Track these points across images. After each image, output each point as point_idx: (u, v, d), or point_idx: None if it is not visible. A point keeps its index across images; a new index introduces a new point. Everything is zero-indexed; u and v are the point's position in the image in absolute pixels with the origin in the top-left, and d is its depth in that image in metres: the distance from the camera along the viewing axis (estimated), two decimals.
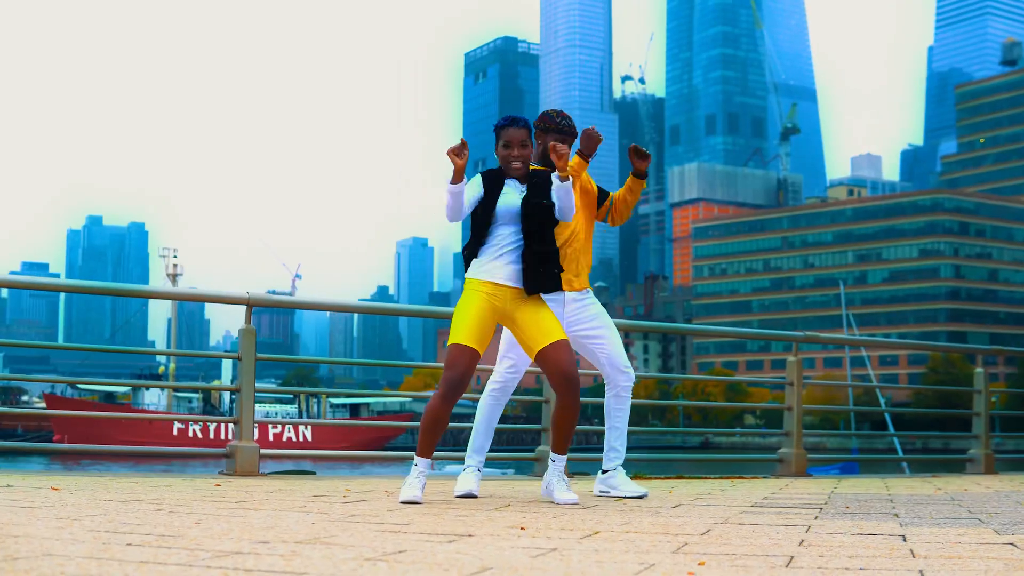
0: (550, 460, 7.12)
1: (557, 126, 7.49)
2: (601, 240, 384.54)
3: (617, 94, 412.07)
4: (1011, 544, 4.77)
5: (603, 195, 7.89)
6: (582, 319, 7.61)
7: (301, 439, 72.86)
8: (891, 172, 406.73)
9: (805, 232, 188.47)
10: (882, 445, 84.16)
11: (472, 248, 7.02)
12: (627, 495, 7.48)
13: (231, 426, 9.71)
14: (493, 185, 6.98)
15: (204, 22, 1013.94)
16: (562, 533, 4.99)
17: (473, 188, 6.96)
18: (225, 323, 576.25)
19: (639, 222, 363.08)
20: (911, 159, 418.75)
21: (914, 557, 4.28)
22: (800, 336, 13.00)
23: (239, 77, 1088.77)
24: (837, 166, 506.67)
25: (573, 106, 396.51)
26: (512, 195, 6.97)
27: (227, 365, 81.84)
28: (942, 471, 14.30)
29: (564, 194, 6.92)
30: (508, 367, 7.64)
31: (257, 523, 5.04)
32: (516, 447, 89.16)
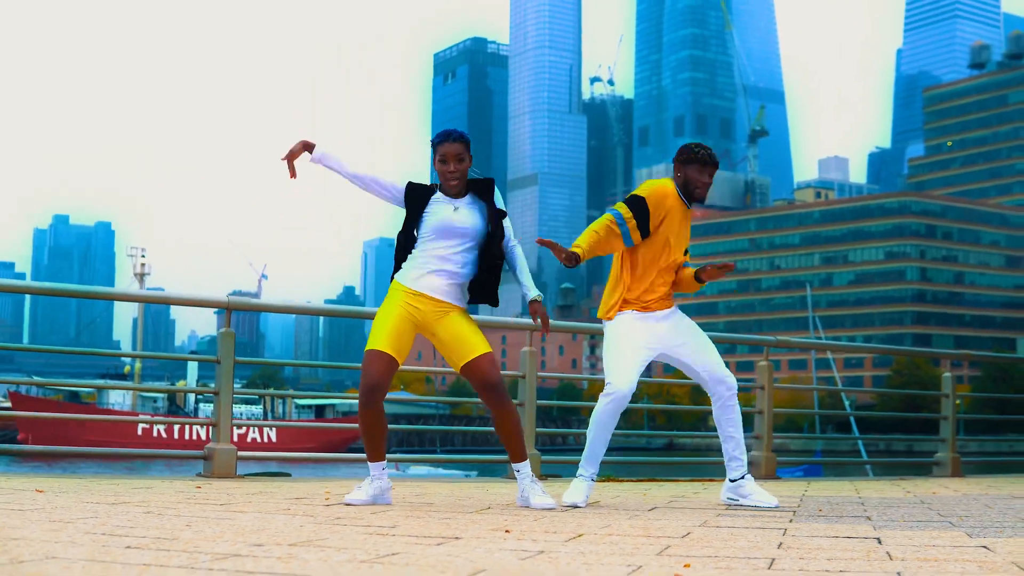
0: (515, 471, 7.09)
1: (697, 157, 7.38)
2: (569, 240, 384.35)
3: (586, 95, 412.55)
4: (984, 547, 4.89)
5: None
6: (676, 333, 7.51)
7: (266, 440, 72.76)
8: (858, 175, 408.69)
9: (772, 234, 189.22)
10: (846, 447, 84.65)
11: (402, 254, 7.04)
12: (758, 504, 7.42)
13: (209, 428, 9.78)
14: (421, 193, 7.00)
15: (173, 20, 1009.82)
16: (546, 535, 5.09)
17: (389, 181, 7.06)
18: (191, 323, 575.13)
19: None
20: (878, 162, 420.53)
21: (891, 560, 4.38)
22: (771, 340, 13.14)
23: (208, 75, 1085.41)
24: (805, 168, 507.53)
25: (542, 107, 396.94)
26: (447, 211, 6.94)
27: (192, 366, 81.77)
28: (908, 474, 14.46)
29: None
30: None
31: (247, 526, 5.14)
32: (480, 448, 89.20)
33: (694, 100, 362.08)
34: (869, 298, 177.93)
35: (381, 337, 6.88)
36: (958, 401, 14.54)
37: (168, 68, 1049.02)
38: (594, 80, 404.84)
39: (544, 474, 10.94)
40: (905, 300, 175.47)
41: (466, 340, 6.95)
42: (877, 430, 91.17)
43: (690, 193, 7.36)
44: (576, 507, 7.08)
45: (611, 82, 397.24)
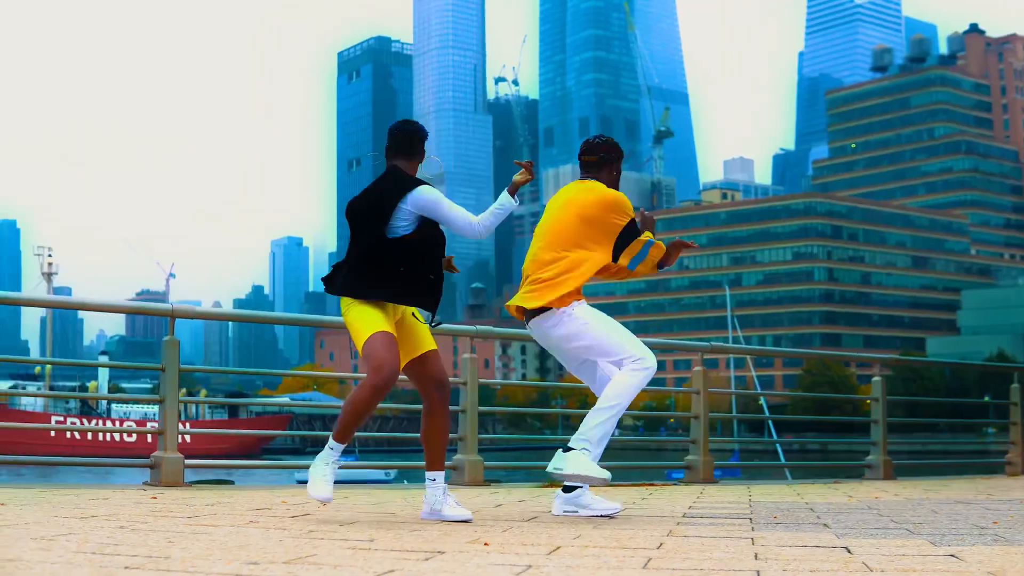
0: (429, 479, 6.75)
1: (622, 153, 7.70)
2: (477, 241, 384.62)
3: (491, 95, 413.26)
4: (952, 556, 5.01)
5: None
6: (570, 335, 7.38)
7: (180, 441, 72.06)
8: (763, 176, 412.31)
9: (680, 235, 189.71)
10: (759, 447, 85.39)
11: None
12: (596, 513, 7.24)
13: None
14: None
15: (78, 14, 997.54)
16: (525, 548, 5.13)
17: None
18: (98, 322, 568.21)
19: (514, 223, 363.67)
20: (783, 163, 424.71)
21: (871, 571, 4.45)
22: (706, 347, 13.31)
23: (112, 72, 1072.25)
24: (710, 169, 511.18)
25: (447, 107, 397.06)
26: None
27: (103, 367, 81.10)
28: (833, 477, 14.62)
29: (498, 217, 7.03)
30: None
31: (228, 541, 5.14)
32: (399, 449, 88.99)
33: (598, 101, 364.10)
34: (778, 298, 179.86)
35: (379, 320, 6.60)
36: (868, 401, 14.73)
37: (72, 62, 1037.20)
38: (499, 80, 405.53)
39: (487, 479, 10.99)
40: (813, 300, 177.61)
41: (413, 335, 6.80)
42: (791, 430, 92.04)
43: (615, 188, 7.47)
44: (594, 482, 7.00)
45: (516, 82, 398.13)
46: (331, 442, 6.57)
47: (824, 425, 77.05)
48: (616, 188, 7.43)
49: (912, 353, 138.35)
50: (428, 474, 6.76)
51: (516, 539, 5.55)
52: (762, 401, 64.77)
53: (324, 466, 6.51)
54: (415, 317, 6.85)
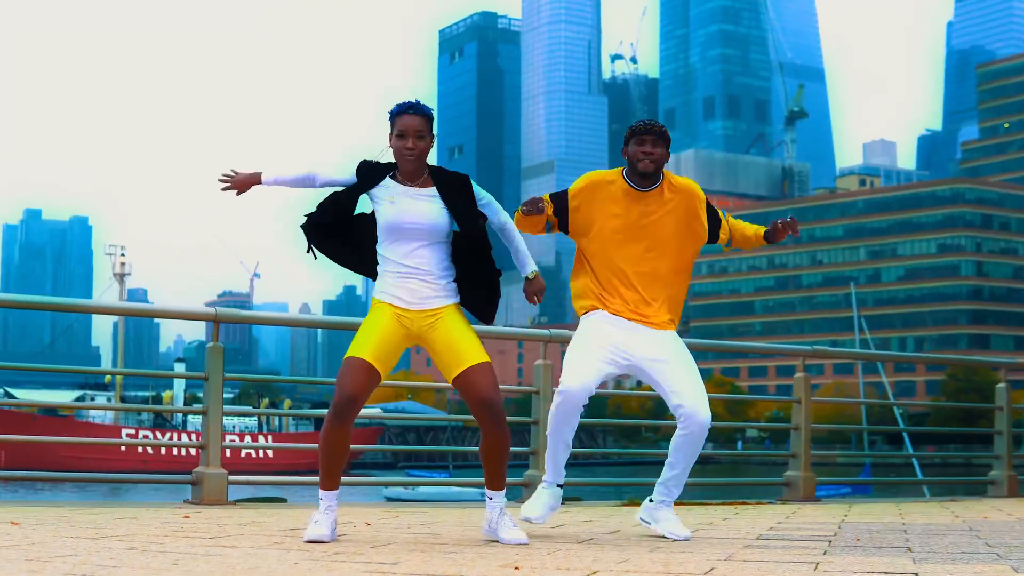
0: (487, 498, 6.87)
1: (633, 130, 7.41)
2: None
3: (607, 74, 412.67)
4: None
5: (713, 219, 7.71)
6: (655, 348, 7.41)
7: (262, 456, 72.90)
8: (907, 160, 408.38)
9: (813, 226, 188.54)
10: (898, 462, 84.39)
11: (368, 267, 6.94)
12: (667, 534, 7.32)
13: (192, 450, 9.89)
14: (370, 176, 6.83)
15: (153, 9, 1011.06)
16: (559, 573, 5.17)
17: (340, 171, 6.85)
18: (177, 326, 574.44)
19: None
20: (929, 145, 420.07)
21: None
22: (807, 351, 13.15)
23: (188, 61, 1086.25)
24: (848, 153, 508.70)
25: (558, 88, 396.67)
26: (386, 205, 6.76)
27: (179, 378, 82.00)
28: (963, 494, 14.50)
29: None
30: None
31: (237, 564, 5.23)
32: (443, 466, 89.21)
33: (725, 79, 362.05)
34: (920, 296, 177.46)
35: (363, 344, 6.64)
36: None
37: (148, 56, 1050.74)
38: (615, 58, 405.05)
39: (566, 496, 11.03)
40: (960, 297, 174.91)
41: (458, 348, 6.73)
42: (932, 442, 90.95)
43: (635, 169, 7.35)
44: (530, 521, 7.20)
45: (634, 60, 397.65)
46: (319, 492, 6.66)
47: (969, 436, 75.94)
48: (633, 168, 7.34)
49: None
50: (488, 493, 6.86)
51: (554, 563, 5.58)
52: (895, 411, 63.86)
53: (320, 514, 6.57)
54: (458, 323, 6.82)
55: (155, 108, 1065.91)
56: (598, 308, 7.39)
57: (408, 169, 6.76)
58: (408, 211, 6.71)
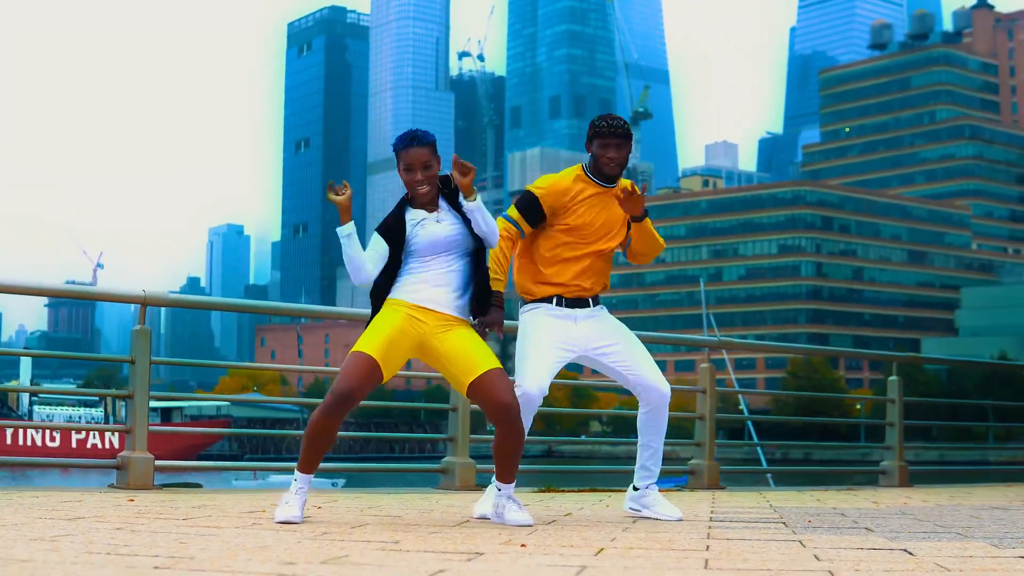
0: (495, 488, 7.00)
1: (597, 130, 7.46)
2: None
3: (454, 72, 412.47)
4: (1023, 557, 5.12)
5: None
6: (600, 334, 7.63)
7: (108, 446, 72.19)
8: (748, 162, 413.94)
9: (656, 225, 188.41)
10: (738, 455, 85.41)
11: (385, 286, 6.83)
12: (660, 516, 7.47)
13: (119, 435, 9.74)
14: (397, 227, 6.81)
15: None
16: (566, 549, 5.20)
17: (376, 249, 6.77)
18: (18, 316, 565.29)
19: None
20: (769, 148, 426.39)
21: (947, 571, 4.55)
22: (714, 341, 13.39)
23: (43, 48, 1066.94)
24: (690, 154, 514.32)
25: (405, 83, 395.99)
26: (431, 225, 6.78)
27: (26, 364, 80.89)
28: (814, 484, 14.62)
29: (483, 216, 6.87)
30: None
31: (244, 543, 5.17)
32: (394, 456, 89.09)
33: (571, 78, 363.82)
34: (761, 295, 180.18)
35: (371, 341, 6.63)
36: (858, 406, 14.82)
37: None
38: (462, 55, 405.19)
39: (478, 484, 11.04)
40: (800, 297, 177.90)
41: (471, 355, 6.76)
42: (771, 436, 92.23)
43: (600, 172, 7.44)
44: (485, 519, 7.16)
45: (481, 57, 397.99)
46: (295, 473, 6.68)
47: (810, 431, 77.28)
48: (601, 167, 7.42)
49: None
50: (496, 483, 6.99)
51: (550, 541, 5.62)
52: (741, 405, 65.12)
53: (292, 495, 6.57)
54: (470, 333, 6.88)
55: (6, 85, 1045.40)
56: (539, 297, 7.53)
57: (424, 201, 6.83)
58: (437, 232, 6.79)
